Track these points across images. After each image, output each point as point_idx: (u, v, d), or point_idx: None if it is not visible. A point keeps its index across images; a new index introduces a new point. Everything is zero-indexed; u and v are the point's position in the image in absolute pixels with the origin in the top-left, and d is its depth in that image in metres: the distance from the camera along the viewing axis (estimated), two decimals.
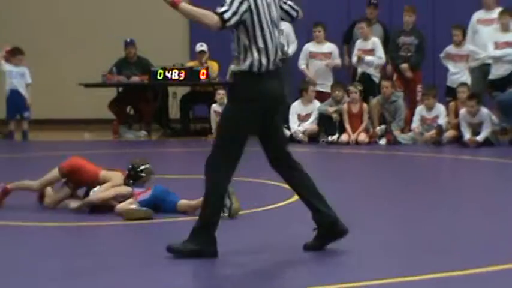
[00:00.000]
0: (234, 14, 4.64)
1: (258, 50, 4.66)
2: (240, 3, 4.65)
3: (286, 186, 7.20)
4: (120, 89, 12.93)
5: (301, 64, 11.99)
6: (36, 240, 5.55)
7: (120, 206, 6.09)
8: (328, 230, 4.88)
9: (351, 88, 11.15)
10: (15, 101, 12.20)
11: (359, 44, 11.76)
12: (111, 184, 6.22)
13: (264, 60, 4.67)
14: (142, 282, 4.41)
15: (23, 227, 5.85)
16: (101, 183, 6.27)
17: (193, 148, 11.43)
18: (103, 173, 6.35)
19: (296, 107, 11.44)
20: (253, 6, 4.65)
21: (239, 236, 5.52)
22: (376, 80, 11.68)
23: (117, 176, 6.32)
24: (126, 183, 6.30)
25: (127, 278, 4.49)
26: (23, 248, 5.27)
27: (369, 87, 11.41)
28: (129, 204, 6.10)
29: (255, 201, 6.63)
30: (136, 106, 13.01)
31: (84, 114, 14.07)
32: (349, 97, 11.16)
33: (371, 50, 11.65)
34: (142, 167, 6.40)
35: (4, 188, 6.41)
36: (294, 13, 4.98)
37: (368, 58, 11.57)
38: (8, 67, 12.18)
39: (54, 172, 6.36)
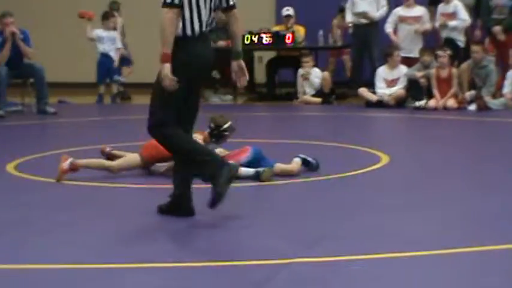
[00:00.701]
0: None
1: (192, 17, 4.81)
2: None
3: (374, 151, 7.20)
4: None
5: (388, 28, 11.79)
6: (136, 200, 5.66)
7: None
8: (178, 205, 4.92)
9: (439, 52, 10.92)
10: (105, 66, 12.38)
11: (441, 8, 11.51)
12: None
13: (196, 26, 4.82)
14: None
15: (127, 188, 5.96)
16: None
17: (279, 112, 11.44)
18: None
19: (382, 72, 11.29)
20: None
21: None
22: (461, 44, 11.42)
23: (198, 138, 6.24)
24: (208, 143, 6.19)
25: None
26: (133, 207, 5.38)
27: (454, 52, 11.15)
28: None
29: (342, 166, 6.58)
30: (222, 70, 13.07)
31: None
32: (437, 62, 10.94)
33: (453, 14, 11.39)
34: (226, 125, 6.25)
35: (72, 164, 6.11)
36: (230, 3, 5.01)
37: (452, 23, 11.32)
38: (97, 32, 12.34)
39: (136, 160, 6.25)
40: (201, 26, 4.86)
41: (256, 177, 5.99)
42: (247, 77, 5.06)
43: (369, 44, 11.95)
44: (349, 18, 12.04)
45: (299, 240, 4.44)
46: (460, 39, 11.46)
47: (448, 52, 10.89)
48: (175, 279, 3.83)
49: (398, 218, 4.98)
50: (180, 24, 4.83)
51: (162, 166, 6.27)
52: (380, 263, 4.03)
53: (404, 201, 5.42)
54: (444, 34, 11.49)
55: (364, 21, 11.92)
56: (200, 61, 4.93)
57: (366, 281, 3.75)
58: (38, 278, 3.86)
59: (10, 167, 6.67)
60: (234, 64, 5.05)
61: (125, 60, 12.86)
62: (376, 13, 11.86)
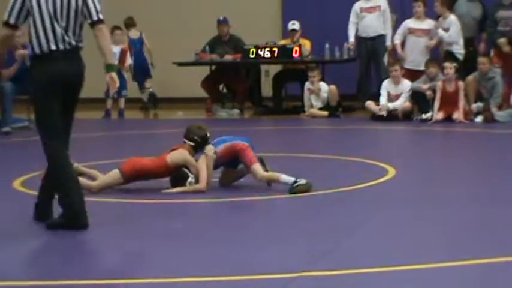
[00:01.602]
0: (11, 11, 5.06)
1: (38, 36, 5.02)
2: (15, 1, 5.07)
3: (381, 164, 7.18)
4: (213, 67, 13.03)
5: (396, 39, 11.80)
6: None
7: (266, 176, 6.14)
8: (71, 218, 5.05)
9: (446, 64, 10.90)
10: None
11: (440, 21, 11.58)
12: (194, 165, 6.16)
13: (44, 45, 5.00)
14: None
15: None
16: (171, 168, 6.16)
17: (286, 126, 11.43)
18: (170, 158, 6.18)
19: (387, 86, 11.28)
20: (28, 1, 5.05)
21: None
22: (460, 57, 11.43)
23: (187, 153, 6.22)
24: (193, 154, 6.23)
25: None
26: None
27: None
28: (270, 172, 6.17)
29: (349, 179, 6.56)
30: (229, 84, 13.08)
31: (177, 93, 14.24)
32: (444, 75, 10.91)
33: (448, 29, 11.44)
34: (208, 133, 6.35)
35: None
36: (93, 18, 5.11)
37: (439, 34, 11.37)
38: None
39: (115, 176, 6.18)
40: (49, 43, 4.99)
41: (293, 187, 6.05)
42: (116, 86, 5.20)
43: (376, 56, 11.96)
44: (351, 37, 12.07)
45: (305, 254, 4.42)
46: (460, 53, 11.46)
47: (455, 64, 10.88)
48: None
49: (406, 230, 4.96)
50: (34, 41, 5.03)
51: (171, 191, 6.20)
52: (386, 277, 4.00)
53: (412, 214, 5.40)
54: (444, 47, 11.51)
55: (371, 34, 11.95)
56: (54, 79, 5.01)
57: None
58: None
59: (17, 183, 6.67)
60: (107, 76, 5.19)
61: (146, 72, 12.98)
62: (386, 25, 11.92)
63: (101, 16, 5.15)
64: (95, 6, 5.11)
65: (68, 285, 4.00)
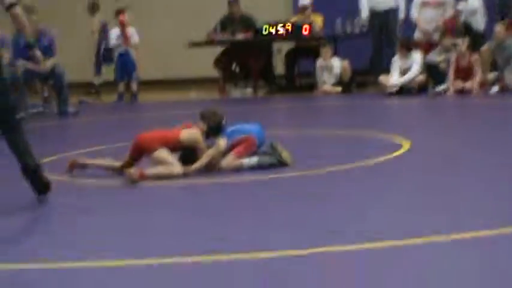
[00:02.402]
0: None
1: None
2: None
3: (395, 138, 7.16)
4: (225, 46, 12.99)
5: (415, 13, 11.70)
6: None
7: (227, 164, 6.11)
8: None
9: (458, 41, 10.79)
10: (124, 64, 12.44)
11: None
12: (203, 150, 6.14)
13: None
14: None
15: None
16: (181, 145, 6.08)
17: (300, 103, 11.41)
18: (183, 136, 6.07)
19: (397, 61, 11.21)
20: None
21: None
22: (482, 25, 11.32)
23: (200, 135, 6.12)
24: (203, 138, 6.14)
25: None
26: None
27: (472, 37, 11.05)
28: (233, 160, 6.11)
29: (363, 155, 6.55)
30: (241, 63, 13.06)
31: (189, 74, 14.23)
32: (456, 50, 10.81)
33: None
34: (223, 120, 6.22)
35: (76, 162, 6.31)
36: (5, 4, 5.37)
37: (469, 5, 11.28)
38: (115, 32, 12.42)
39: (167, 152, 6.04)
40: None
41: (261, 165, 6.07)
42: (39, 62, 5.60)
43: (388, 30, 11.88)
44: (364, 11, 11.99)
45: (318, 230, 4.41)
46: (479, 23, 11.35)
47: (467, 39, 10.77)
48: (188, 272, 3.82)
49: (420, 203, 4.95)
50: None
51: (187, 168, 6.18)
52: (401, 251, 3.99)
53: (426, 187, 5.38)
54: (463, 18, 11.41)
55: (383, 7, 11.88)
56: None
57: (391, 268, 3.72)
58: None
59: None
60: (30, 53, 5.54)
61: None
62: (398, 2, 11.83)
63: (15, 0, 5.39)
64: None
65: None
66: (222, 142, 6.15)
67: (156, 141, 6.04)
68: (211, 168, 6.15)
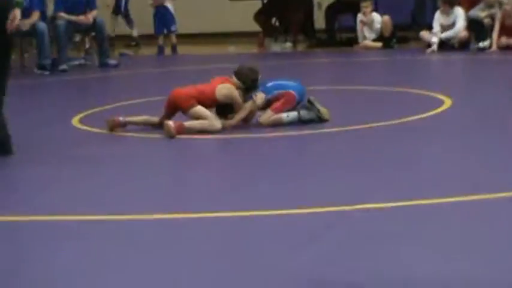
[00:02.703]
0: None
1: None
2: None
3: (436, 95, 7.10)
4: (265, 1, 12.92)
5: None
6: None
7: (267, 119, 6.12)
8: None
9: (504, 0, 10.57)
10: (162, 17, 12.45)
11: None
12: (239, 105, 6.12)
13: None
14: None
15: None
16: (216, 101, 6.07)
17: (340, 58, 11.34)
18: (219, 92, 6.06)
19: (438, 17, 11.05)
20: None
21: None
22: None
23: (235, 90, 6.11)
24: (239, 94, 6.12)
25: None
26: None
27: None
28: (273, 115, 6.13)
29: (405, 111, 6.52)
30: (281, 17, 12.99)
31: (229, 28, 14.19)
32: (501, 10, 10.59)
33: None
34: (259, 77, 6.18)
35: (117, 121, 6.21)
36: None
37: None
38: None
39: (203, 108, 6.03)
40: None
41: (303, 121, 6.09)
42: (15, 24, 5.33)
43: None
44: None
45: (359, 187, 4.42)
46: None
47: None
48: (233, 226, 3.87)
49: (461, 161, 4.93)
50: None
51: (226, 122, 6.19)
52: (443, 208, 4.00)
53: (468, 145, 5.36)
54: None
55: None
56: None
57: (433, 225, 3.72)
58: (110, 228, 3.95)
59: (75, 121, 6.78)
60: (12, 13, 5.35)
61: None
62: None
63: None
64: None
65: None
66: (260, 96, 6.15)
67: (192, 97, 6.05)
68: (248, 121, 6.17)
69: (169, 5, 12.48)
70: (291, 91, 6.19)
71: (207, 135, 5.93)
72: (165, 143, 5.84)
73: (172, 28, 12.40)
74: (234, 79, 6.19)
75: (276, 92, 6.19)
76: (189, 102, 6.03)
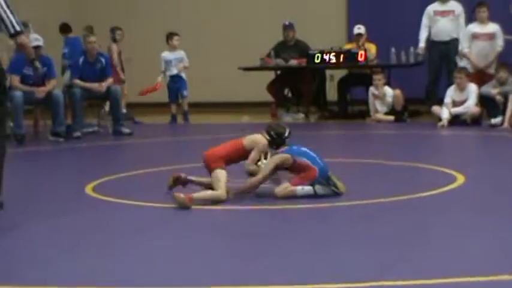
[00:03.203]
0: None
1: None
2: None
3: (449, 171, 7.11)
4: (278, 72, 13.08)
5: (465, 47, 11.61)
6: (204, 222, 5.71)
7: (282, 192, 6.15)
8: None
9: None
10: (175, 85, 12.61)
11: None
12: (259, 152, 6.24)
13: None
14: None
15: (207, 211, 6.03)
16: (247, 149, 6.27)
17: (351, 131, 11.40)
18: (246, 140, 6.32)
19: (451, 93, 11.16)
20: None
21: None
22: None
23: (262, 139, 6.29)
24: (268, 150, 6.29)
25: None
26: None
27: None
28: (288, 188, 6.15)
29: (413, 186, 6.52)
30: (294, 88, 13.12)
31: (242, 98, 14.33)
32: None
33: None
34: (286, 133, 6.31)
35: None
36: (10, 31, 5.64)
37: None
38: (165, 56, 12.59)
39: (223, 172, 6.18)
40: None
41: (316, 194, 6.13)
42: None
43: (449, 60, 11.84)
44: (422, 41, 11.98)
45: (373, 263, 4.41)
46: None
47: None
48: None
49: (473, 239, 4.91)
50: None
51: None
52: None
53: (480, 223, 5.34)
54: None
55: (446, 38, 11.87)
56: None
57: None
58: None
59: (88, 189, 6.81)
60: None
61: None
62: (459, 34, 11.78)
63: (18, 28, 5.64)
64: (9, 19, 5.59)
65: None
66: (286, 156, 6.19)
67: (220, 158, 6.22)
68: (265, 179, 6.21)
69: (183, 74, 12.63)
70: (315, 167, 6.23)
71: (221, 205, 5.95)
72: (177, 212, 5.85)
73: (184, 93, 12.54)
74: (264, 134, 6.33)
75: (304, 159, 6.22)
76: (216, 164, 6.20)
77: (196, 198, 5.98)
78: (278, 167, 6.22)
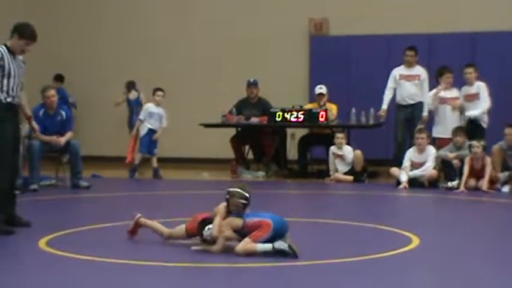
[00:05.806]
0: None
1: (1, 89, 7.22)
2: None
3: (405, 232, 7.15)
4: (239, 128, 13.13)
5: (430, 109, 11.77)
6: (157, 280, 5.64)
7: (242, 248, 6.13)
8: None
9: (474, 143, 10.83)
10: (150, 139, 12.62)
11: (464, 89, 11.60)
12: (219, 219, 6.27)
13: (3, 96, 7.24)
14: None
15: (145, 266, 5.96)
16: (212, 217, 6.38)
17: (311, 190, 11.43)
18: (215, 210, 6.43)
19: (411, 155, 11.30)
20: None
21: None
22: (485, 125, 11.43)
23: (222, 206, 6.34)
24: (230, 212, 6.31)
25: None
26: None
27: (476, 132, 11.16)
28: (248, 244, 6.13)
29: (370, 247, 6.54)
30: (255, 146, 13.16)
31: (203, 154, 14.34)
32: (471, 153, 10.84)
33: (476, 94, 11.47)
34: (248, 195, 6.37)
35: (137, 219, 6.75)
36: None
37: (473, 113, 11.42)
38: (149, 108, 12.67)
39: (181, 231, 6.57)
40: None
41: (276, 251, 6.09)
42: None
43: (414, 122, 11.97)
44: (386, 103, 12.14)
45: None
46: (485, 121, 11.47)
47: (482, 143, 10.83)
48: None
49: None
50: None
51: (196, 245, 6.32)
52: None
53: (435, 285, 5.35)
54: (469, 114, 11.51)
55: (411, 101, 12.02)
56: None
57: None
58: None
59: (42, 243, 6.71)
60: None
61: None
62: (424, 98, 11.94)
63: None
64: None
65: None
66: (238, 221, 6.24)
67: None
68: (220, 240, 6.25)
69: (157, 129, 12.63)
70: (269, 220, 6.23)
71: (180, 262, 5.89)
72: (133, 268, 5.78)
73: (155, 151, 12.55)
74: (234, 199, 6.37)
75: (252, 218, 6.22)
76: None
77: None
78: (228, 229, 6.23)
